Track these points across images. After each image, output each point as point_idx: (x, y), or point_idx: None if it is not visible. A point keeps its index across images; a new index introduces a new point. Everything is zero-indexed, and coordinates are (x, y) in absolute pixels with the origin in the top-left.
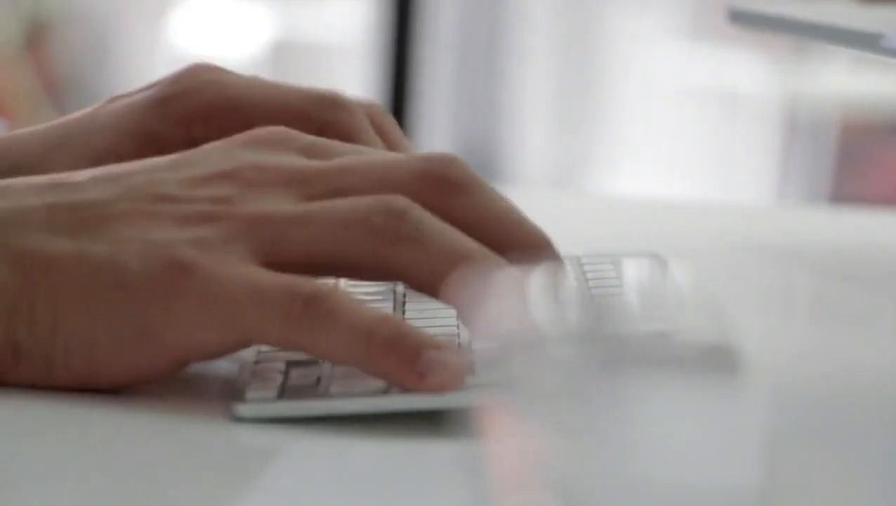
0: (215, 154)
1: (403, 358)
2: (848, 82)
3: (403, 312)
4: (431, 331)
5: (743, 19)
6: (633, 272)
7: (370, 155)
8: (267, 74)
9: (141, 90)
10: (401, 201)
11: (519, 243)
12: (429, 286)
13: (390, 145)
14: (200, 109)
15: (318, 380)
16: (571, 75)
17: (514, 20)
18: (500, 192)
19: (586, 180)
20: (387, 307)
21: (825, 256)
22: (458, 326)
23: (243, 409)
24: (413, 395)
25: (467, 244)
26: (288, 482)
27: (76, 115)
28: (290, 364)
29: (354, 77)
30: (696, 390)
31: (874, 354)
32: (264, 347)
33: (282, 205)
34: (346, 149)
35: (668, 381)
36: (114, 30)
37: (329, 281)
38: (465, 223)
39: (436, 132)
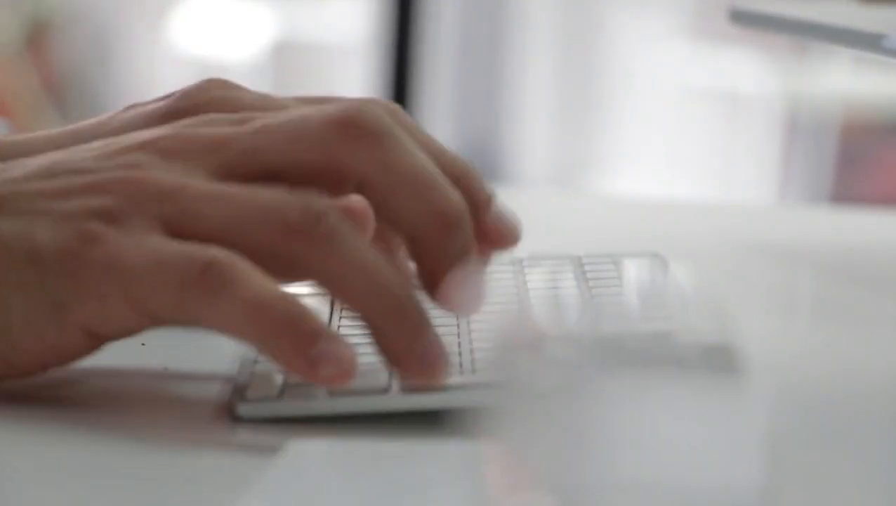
0: (138, 132)
1: (297, 341)
2: (849, 82)
3: None
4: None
5: (744, 19)
6: (634, 272)
7: (287, 112)
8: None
9: (155, 100)
10: (321, 203)
11: (427, 210)
12: (331, 292)
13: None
14: None
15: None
16: (572, 75)
17: (514, 20)
18: (426, 142)
19: (587, 180)
20: None
21: (826, 256)
22: (457, 326)
23: (243, 408)
24: (413, 395)
25: (378, 266)
26: (288, 482)
27: (90, 120)
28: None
29: (355, 77)
30: (696, 391)
31: (875, 355)
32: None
33: (194, 177)
34: (263, 104)
35: (668, 381)
36: (115, 30)
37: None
38: (374, 177)
39: (437, 132)
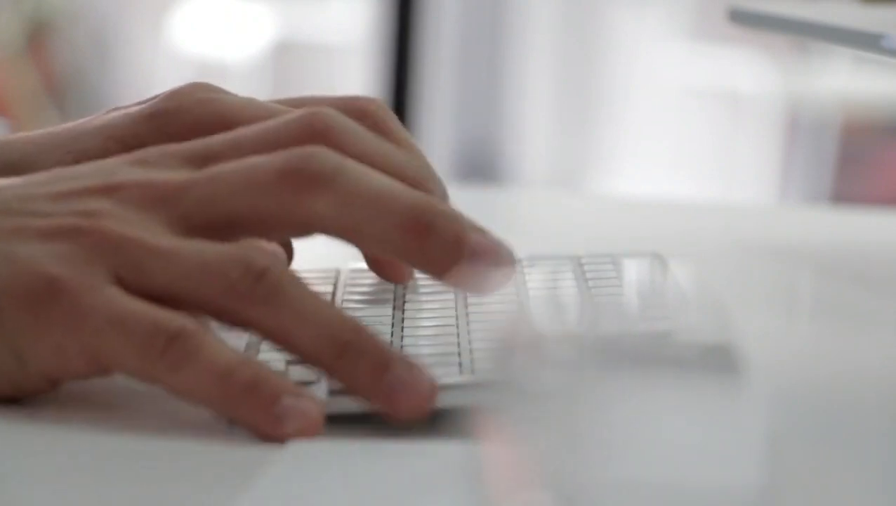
0: (94, 170)
1: (261, 403)
2: (849, 82)
3: (403, 311)
4: (432, 329)
5: (744, 19)
6: (634, 272)
7: (236, 162)
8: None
9: (139, 102)
10: (263, 259)
11: (398, 225)
12: (278, 345)
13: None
14: (191, 126)
15: (318, 378)
16: (572, 75)
17: (515, 20)
18: (385, 153)
19: (587, 180)
20: (386, 306)
21: (826, 256)
22: (456, 324)
23: None
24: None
25: (325, 311)
26: (288, 482)
27: (77, 121)
28: (290, 362)
29: (355, 77)
30: (696, 391)
31: (875, 355)
32: (264, 345)
33: (149, 230)
34: (227, 146)
35: (668, 381)
36: (115, 30)
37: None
38: (334, 218)
39: (437, 132)
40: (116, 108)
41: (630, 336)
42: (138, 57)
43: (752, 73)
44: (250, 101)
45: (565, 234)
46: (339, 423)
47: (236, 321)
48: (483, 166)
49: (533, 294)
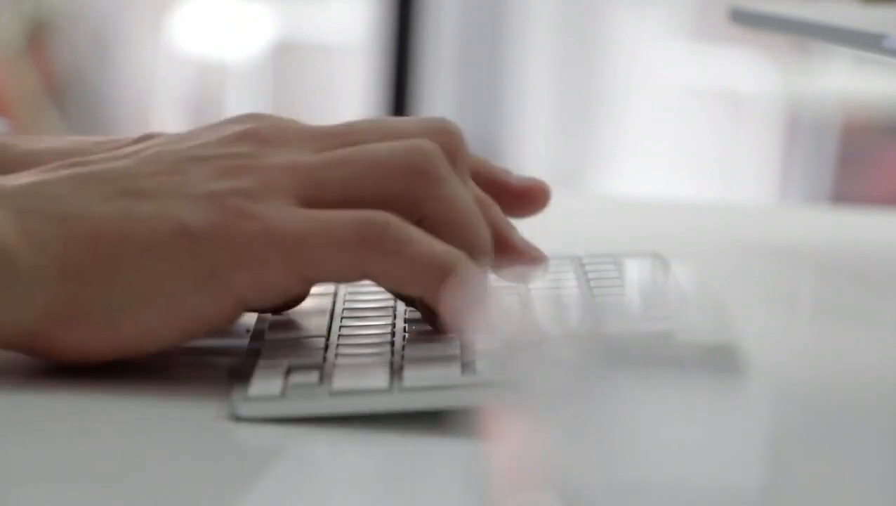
0: (217, 126)
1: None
2: (850, 82)
3: (405, 320)
4: (432, 333)
5: (745, 19)
6: (635, 272)
7: (375, 121)
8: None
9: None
10: (436, 147)
11: (465, 243)
12: (448, 233)
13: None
14: None
15: (320, 379)
16: (573, 75)
17: (515, 20)
18: (473, 170)
19: (588, 180)
20: (386, 316)
21: (826, 256)
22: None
23: (245, 408)
24: (413, 394)
25: (438, 245)
26: (288, 482)
27: (110, 138)
28: (292, 364)
29: (355, 77)
30: (697, 391)
31: (876, 355)
32: (267, 346)
33: (308, 155)
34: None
35: (669, 381)
36: (115, 30)
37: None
38: (434, 213)
39: None
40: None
41: (631, 336)
42: (138, 57)
43: (752, 73)
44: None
45: (565, 234)
46: (340, 423)
47: (413, 206)
48: None
49: (535, 294)
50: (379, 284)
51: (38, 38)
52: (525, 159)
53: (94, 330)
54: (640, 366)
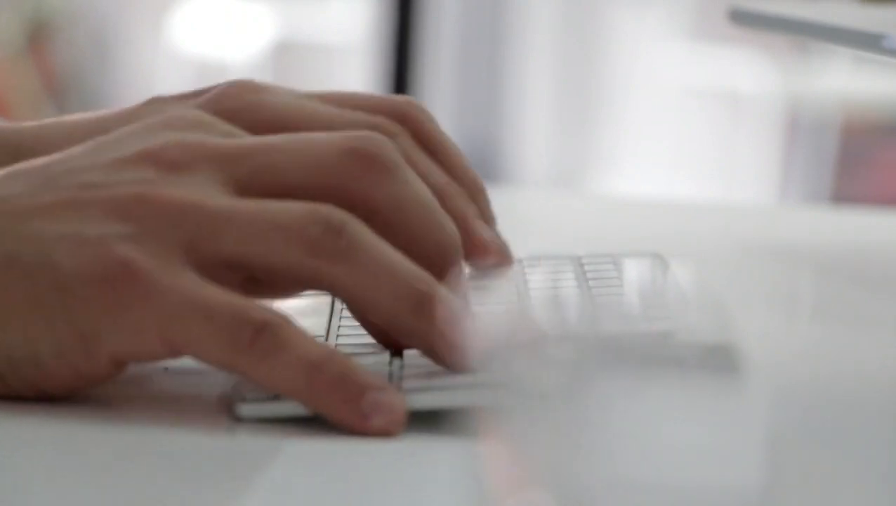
0: (135, 136)
1: (348, 397)
2: (849, 82)
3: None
4: None
5: (744, 19)
6: (634, 272)
7: (296, 134)
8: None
9: (184, 96)
10: (339, 215)
11: (426, 240)
12: (358, 304)
13: (435, 152)
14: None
15: None
16: (573, 75)
17: (515, 20)
18: (422, 171)
19: (588, 180)
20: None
21: (826, 256)
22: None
23: (244, 408)
24: (413, 394)
25: (402, 266)
26: (288, 482)
27: (111, 111)
28: None
29: (355, 77)
30: (696, 391)
31: (875, 355)
32: None
33: (211, 193)
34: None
35: (668, 381)
36: (115, 30)
37: (275, 308)
38: (383, 209)
39: None
40: (158, 99)
41: (631, 336)
42: (138, 57)
43: (752, 73)
44: (298, 107)
45: (565, 234)
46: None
47: (313, 279)
48: (483, 166)
49: (534, 294)
50: (258, 386)
51: (38, 38)
52: (525, 159)
53: None
54: (639, 366)
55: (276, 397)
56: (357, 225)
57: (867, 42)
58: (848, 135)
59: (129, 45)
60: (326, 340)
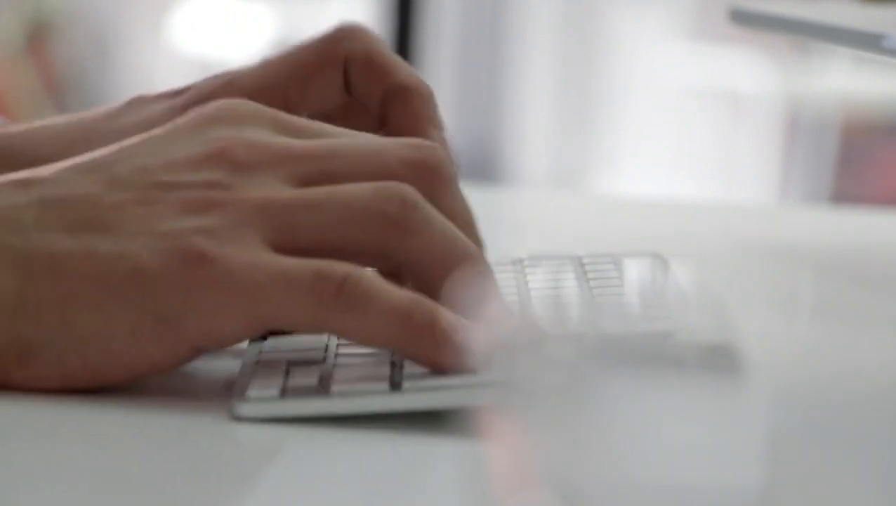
0: (190, 134)
1: (440, 341)
2: (849, 82)
3: None
4: None
5: (744, 19)
6: (635, 272)
7: (355, 138)
8: None
9: (165, 96)
10: (411, 191)
11: (457, 250)
12: (430, 277)
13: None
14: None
15: (320, 379)
16: (573, 75)
17: (515, 20)
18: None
19: (588, 180)
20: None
21: (826, 256)
22: None
23: (245, 408)
24: (413, 394)
25: (466, 242)
26: (288, 482)
27: (94, 112)
28: (292, 364)
29: None
30: (697, 391)
31: (875, 355)
32: (266, 346)
33: (283, 190)
34: (319, 128)
35: (668, 381)
36: (115, 30)
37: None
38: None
39: None
40: (142, 99)
41: (631, 336)
42: (138, 57)
43: (752, 73)
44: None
45: (565, 234)
46: (340, 423)
47: (390, 255)
48: (483, 166)
49: (534, 294)
50: (348, 339)
51: (38, 38)
52: (525, 159)
53: (44, 368)
54: (639, 366)
55: (276, 398)
56: (425, 202)
57: (867, 42)
58: (848, 135)
59: (129, 45)
60: (327, 340)
